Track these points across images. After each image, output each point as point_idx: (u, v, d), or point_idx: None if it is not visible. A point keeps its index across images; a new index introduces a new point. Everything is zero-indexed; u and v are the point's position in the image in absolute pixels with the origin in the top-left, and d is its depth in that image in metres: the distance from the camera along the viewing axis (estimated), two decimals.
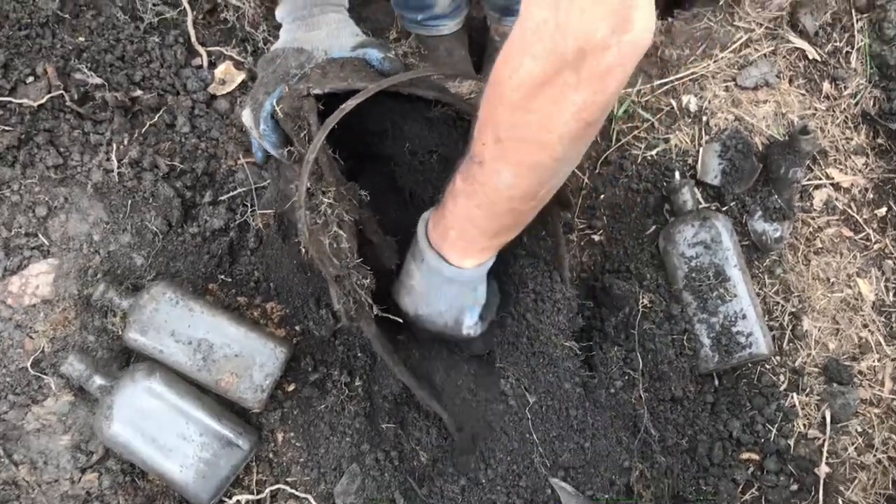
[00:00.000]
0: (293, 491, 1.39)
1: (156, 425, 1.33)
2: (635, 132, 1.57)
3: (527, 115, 0.90)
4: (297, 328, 1.46)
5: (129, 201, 1.46)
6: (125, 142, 1.49)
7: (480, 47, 1.81)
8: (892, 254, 1.54)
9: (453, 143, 1.27)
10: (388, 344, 1.27)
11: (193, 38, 1.54)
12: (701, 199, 1.53)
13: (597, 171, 1.55)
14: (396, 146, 1.32)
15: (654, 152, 1.56)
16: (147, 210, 1.46)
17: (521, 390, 1.33)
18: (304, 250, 1.14)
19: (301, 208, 1.10)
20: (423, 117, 1.27)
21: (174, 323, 1.36)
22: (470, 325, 1.25)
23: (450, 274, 1.16)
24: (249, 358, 1.37)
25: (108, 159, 1.47)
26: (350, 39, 1.25)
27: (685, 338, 1.43)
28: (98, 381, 1.34)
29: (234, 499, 1.38)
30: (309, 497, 1.39)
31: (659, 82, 1.59)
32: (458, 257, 1.15)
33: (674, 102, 1.58)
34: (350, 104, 1.09)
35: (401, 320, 1.24)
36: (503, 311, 1.33)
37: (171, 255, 1.46)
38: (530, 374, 1.34)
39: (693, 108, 1.58)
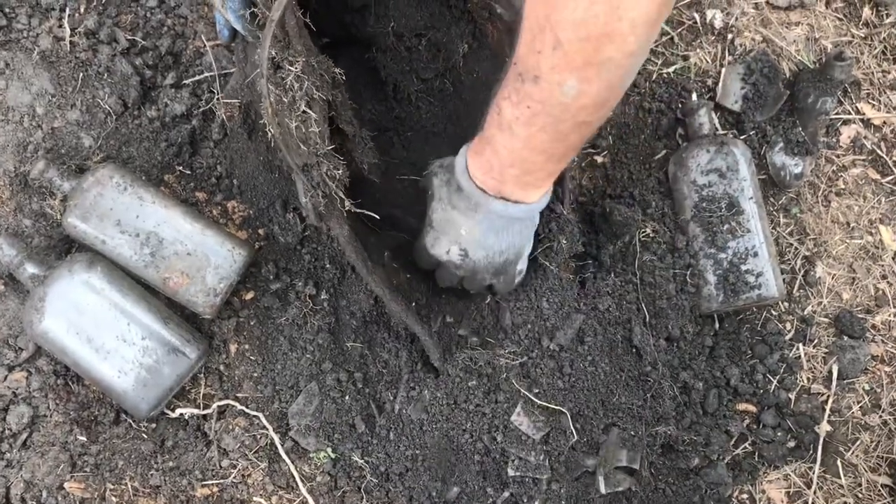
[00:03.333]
0: (243, 408, 1.26)
1: (93, 323, 1.18)
2: (652, 46, 1.41)
3: (592, 5, 0.77)
4: (260, 232, 1.32)
5: (81, 75, 1.29)
6: (81, 9, 1.32)
7: None
8: None
9: (445, 27, 1.12)
10: (362, 249, 1.13)
11: None
12: (718, 125, 1.39)
13: None
14: (379, 26, 1.16)
15: (671, 70, 1.41)
16: (101, 86, 1.30)
17: (519, 319, 1.21)
18: (268, 134, 0.99)
19: (263, 78, 0.94)
20: None
21: (121, 211, 1.21)
22: (523, 266, 1.14)
23: (517, 213, 1.04)
24: (203, 258, 1.22)
25: (59, 26, 1.30)
26: None
27: (688, 273, 1.29)
28: (30, 269, 1.19)
29: (178, 412, 1.25)
30: (260, 416, 1.26)
31: None
32: (523, 193, 1.02)
33: (697, 16, 1.42)
34: None
35: (377, 216, 1.09)
36: None
37: (125, 138, 1.31)
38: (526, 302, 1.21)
39: (718, 24, 1.42)
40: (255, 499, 1.25)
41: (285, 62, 0.96)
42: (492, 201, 1.03)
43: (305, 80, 0.96)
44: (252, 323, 1.29)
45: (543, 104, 0.88)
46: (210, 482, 1.24)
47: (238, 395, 1.28)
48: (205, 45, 1.36)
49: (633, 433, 1.22)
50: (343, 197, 1.03)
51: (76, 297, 1.18)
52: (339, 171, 1.02)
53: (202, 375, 1.27)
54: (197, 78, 1.35)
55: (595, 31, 0.79)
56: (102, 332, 1.19)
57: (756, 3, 1.43)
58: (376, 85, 1.25)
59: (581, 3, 0.78)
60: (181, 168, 1.32)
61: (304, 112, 0.98)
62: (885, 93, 1.43)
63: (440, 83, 1.24)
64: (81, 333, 1.18)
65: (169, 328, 1.21)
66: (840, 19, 1.44)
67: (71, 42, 1.30)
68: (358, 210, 1.05)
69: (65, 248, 1.26)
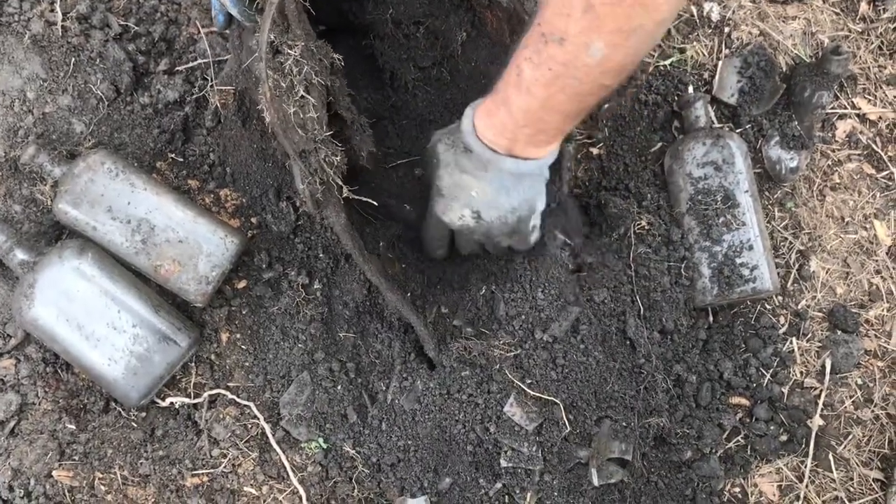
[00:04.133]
0: (234, 397, 1.25)
1: (83, 311, 1.17)
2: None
3: None
4: (253, 220, 1.31)
5: (73, 60, 1.28)
6: None
7: None
8: None
9: (444, 14, 1.11)
10: (358, 238, 1.12)
11: None
12: (714, 118, 1.38)
13: None
14: (377, 13, 1.14)
15: (667, 62, 1.40)
16: (93, 72, 1.29)
17: (513, 310, 1.20)
18: (266, 118, 0.98)
19: (262, 62, 0.93)
20: None
21: (112, 198, 1.19)
22: (537, 222, 1.13)
23: (528, 168, 1.04)
24: (195, 245, 1.21)
25: (51, 10, 1.29)
26: None
27: (683, 266, 1.29)
28: (20, 255, 1.18)
29: (168, 401, 1.24)
30: (251, 405, 1.25)
31: None
32: (535, 150, 1.02)
33: (694, 9, 1.42)
34: None
35: (375, 203, 1.08)
36: None
37: (117, 124, 1.29)
38: (521, 293, 1.20)
39: (715, 17, 1.42)
40: (245, 489, 1.24)
41: (284, 46, 0.95)
42: (502, 159, 1.02)
43: (304, 64, 0.96)
44: (244, 312, 1.28)
45: (566, 66, 0.88)
46: (200, 472, 1.23)
47: (229, 384, 1.27)
48: (199, 32, 1.34)
49: (625, 425, 1.21)
50: (341, 184, 1.02)
51: (66, 283, 1.17)
52: (338, 158, 1.01)
53: (193, 364, 1.26)
54: (191, 64, 1.33)
55: None
56: (93, 320, 1.18)
57: None
58: (373, 73, 1.24)
59: None
60: (174, 155, 1.31)
61: (302, 97, 0.97)
62: (882, 88, 1.42)
63: (437, 71, 1.23)
64: (71, 321, 1.17)
65: (160, 316, 1.20)
66: (837, 14, 1.44)
67: (63, 27, 1.28)
68: (355, 197, 1.04)
69: (55, 234, 1.25)
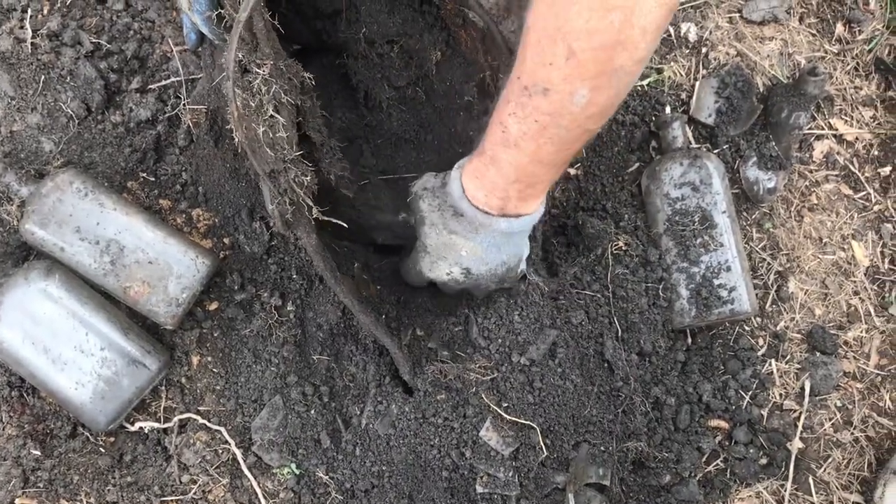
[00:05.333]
0: (205, 422, 1.22)
1: (50, 333, 1.15)
2: None
3: (607, 14, 0.78)
4: (225, 241, 1.29)
5: (43, 77, 1.26)
6: (44, 10, 1.29)
7: None
8: (893, 217, 1.40)
9: (418, 33, 1.09)
10: (330, 259, 1.10)
11: None
12: (692, 139, 1.38)
13: None
14: (350, 32, 1.13)
15: (644, 83, 1.40)
16: (63, 90, 1.27)
17: (491, 334, 1.18)
18: (235, 139, 0.96)
19: (229, 81, 0.91)
20: None
21: (80, 218, 1.17)
22: (524, 266, 1.14)
23: (520, 226, 1.04)
24: (166, 267, 1.19)
25: (21, 27, 1.27)
26: None
27: (661, 287, 1.28)
28: None
29: (137, 425, 1.21)
30: (222, 430, 1.22)
31: None
32: (525, 205, 1.02)
33: (671, 29, 1.42)
34: None
35: (345, 225, 1.07)
36: None
37: (88, 143, 1.27)
38: (495, 319, 1.19)
39: (692, 37, 1.42)
40: None
41: (253, 65, 0.94)
42: (495, 221, 1.02)
43: (273, 83, 0.94)
44: (215, 334, 1.25)
45: (552, 116, 0.88)
46: (169, 498, 1.20)
47: (200, 408, 1.24)
48: (172, 50, 1.33)
49: (603, 449, 1.20)
50: (311, 204, 1.00)
51: (33, 306, 1.14)
52: (307, 178, 0.99)
53: (163, 388, 1.23)
54: (163, 83, 1.31)
55: (609, 40, 0.80)
56: (60, 343, 1.15)
57: (730, 17, 1.43)
58: (347, 92, 1.22)
59: (595, 13, 0.78)
60: (145, 175, 1.29)
61: (271, 116, 0.96)
62: (858, 108, 1.43)
63: (412, 91, 1.22)
64: (38, 343, 1.14)
65: (129, 339, 1.17)
66: (813, 35, 1.44)
67: (33, 44, 1.26)
68: (325, 218, 1.02)
69: (22, 255, 1.22)
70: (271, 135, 0.97)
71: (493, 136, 0.96)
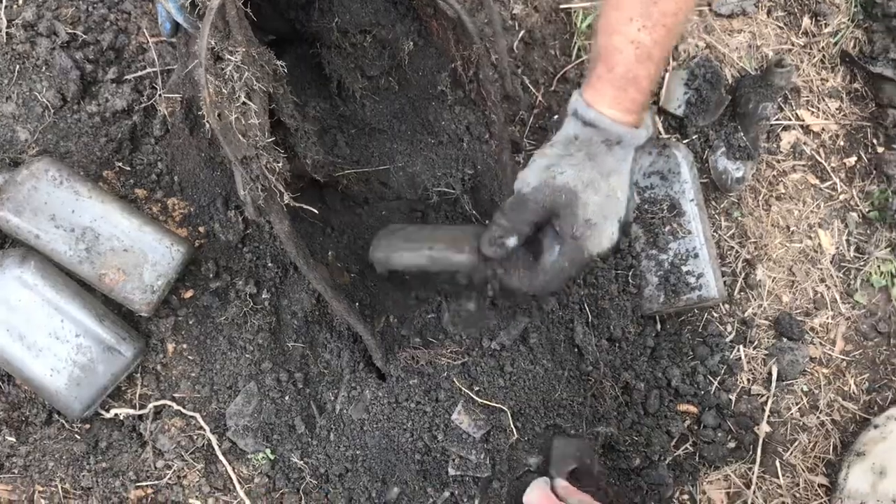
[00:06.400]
0: (180, 408, 1.23)
1: (24, 320, 1.16)
2: None
3: None
4: (200, 229, 1.30)
5: (18, 67, 1.27)
6: (20, 0, 1.29)
7: None
8: (858, 206, 1.43)
9: (391, 23, 1.11)
10: (304, 245, 1.11)
11: None
12: (661, 129, 1.40)
13: (552, 88, 1.40)
14: (323, 21, 1.15)
15: None
16: (38, 79, 1.27)
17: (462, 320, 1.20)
18: (208, 124, 0.97)
19: (202, 68, 0.93)
20: None
21: (55, 206, 1.18)
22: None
23: (645, 135, 1.01)
24: (141, 254, 1.20)
25: None
26: None
27: (630, 274, 1.30)
28: None
29: (112, 412, 1.22)
30: (197, 416, 1.23)
31: None
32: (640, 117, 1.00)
33: None
34: None
35: (315, 211, 1.08)
36: None
37: (63, 133, 1.28)
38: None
39: None
40: (190, 500, 1.22)
41: (225, 52, 0.95)
42: (636, 133, 0.99)
43: (245, 70, 0.95)
44: (191, 322, 1.26)
45: (676, 15, 0.94)
46: (144, 484, 1.21)
47: (175, 395, 1.25)
48: (148, 41, 1.33)
49: (574, 432, 1.22)
50: (283, 190, 1.02)
51: (7, 293, 1.15)
52: (279, 164, 1.01)
53: (138, 375, 1.24)
54: (139, 73, 1.32)
55: None
56: (34, 330, 1.16)
57: (700, 10, 1.45)
58: (321, 82, 1.24)
59: None
60: (121, 164, 1.29)
61: (243, 103, 0.97)
62: (824, 100, 1.46)
63: (386, 81, 1.24)
64: (12, 330, 1.15)
65: (104, 326, 1.18)
66: (781, 28, 1.47)
67: (7, 33, 1.27)
68: (296, 205, 1.03)
69: None
70: (243, 121, 0.98)
71: (622, 59, 0.95)
